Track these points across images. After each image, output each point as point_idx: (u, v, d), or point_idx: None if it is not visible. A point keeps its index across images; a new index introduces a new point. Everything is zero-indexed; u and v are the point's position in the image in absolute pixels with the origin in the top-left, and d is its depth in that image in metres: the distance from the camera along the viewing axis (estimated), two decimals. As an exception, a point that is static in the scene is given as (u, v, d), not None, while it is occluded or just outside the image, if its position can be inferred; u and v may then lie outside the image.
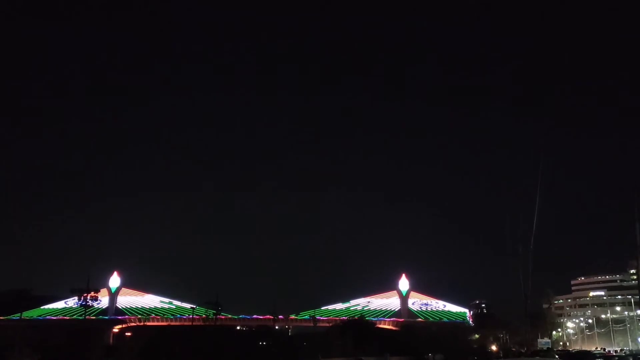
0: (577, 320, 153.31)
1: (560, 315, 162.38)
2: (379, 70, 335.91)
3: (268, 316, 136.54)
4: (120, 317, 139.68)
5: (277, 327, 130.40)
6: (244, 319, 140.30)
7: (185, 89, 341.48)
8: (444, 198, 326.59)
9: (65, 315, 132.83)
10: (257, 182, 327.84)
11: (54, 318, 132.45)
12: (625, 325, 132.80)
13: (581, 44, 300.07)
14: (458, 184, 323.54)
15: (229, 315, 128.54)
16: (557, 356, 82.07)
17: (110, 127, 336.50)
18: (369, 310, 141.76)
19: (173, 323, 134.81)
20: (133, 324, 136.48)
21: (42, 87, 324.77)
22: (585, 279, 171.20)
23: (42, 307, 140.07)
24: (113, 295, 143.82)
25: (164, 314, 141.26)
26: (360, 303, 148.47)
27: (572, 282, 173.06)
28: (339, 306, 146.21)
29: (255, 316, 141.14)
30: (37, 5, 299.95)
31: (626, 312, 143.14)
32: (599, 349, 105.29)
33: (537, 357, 48.95)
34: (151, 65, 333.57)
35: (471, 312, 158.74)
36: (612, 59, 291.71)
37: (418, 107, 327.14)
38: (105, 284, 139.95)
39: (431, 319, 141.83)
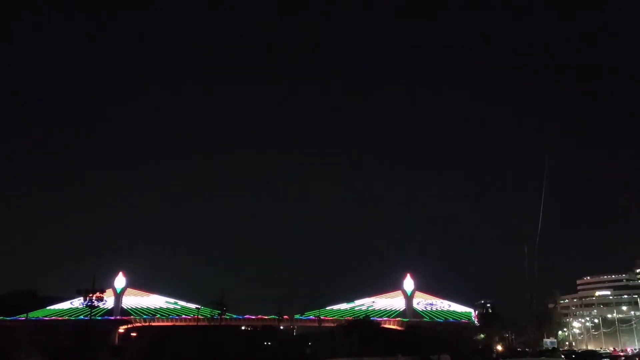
0: (583, 320, 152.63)
1: (566, 315, 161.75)
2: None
3: (273, 316, 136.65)
4: (125, 318, 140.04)
5: (281, 327, 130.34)
6: (248, 319, 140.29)
7: (186, 82, 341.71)
8: (448, 197, 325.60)
9: (71, 316, 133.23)
10: (261, 182, 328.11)
11: (60, 319, 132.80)
12: (632, 324, 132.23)
13: (583, 41, 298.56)
14: (463, 184, 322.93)
15: (234, 316, 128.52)
16: (562, 356, 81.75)
17: (112, 127, 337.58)
18: (373, 310, 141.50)
19: (178, 323, 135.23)
20: (138, 324, 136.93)
21: (43, 85, 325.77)
22: (591, 278, 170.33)
23: (48, 308, 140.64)
24: (118, 296, 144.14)
25: (169, 314, 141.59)
26: (365, 303, 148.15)
27: (578, 282, 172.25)
28: (343, 306, 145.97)
29: (260, 316, 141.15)
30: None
31: (632, 312, 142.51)
32: (607, 349, 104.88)
33: (543, 357, 48.72)
34: (148, 61, 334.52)
35: (476, 312, 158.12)
36: (614, 57, 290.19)
37: (420, 109, 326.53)
38: (110, 285, 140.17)
39: (436, 319, 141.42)
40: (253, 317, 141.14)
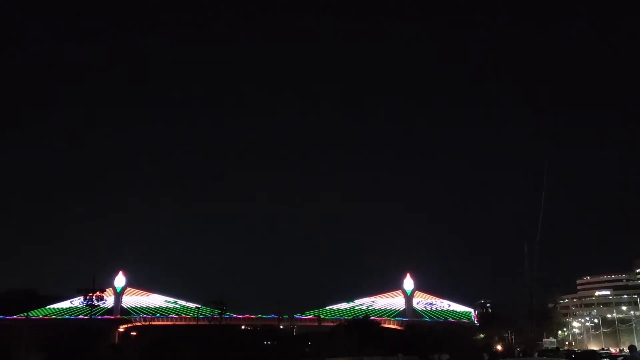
0: (582, 320, 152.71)
1: (566, 315, 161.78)
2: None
3: (273, 316, 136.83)
4: (125, 317, 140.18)
5: (281, 327, 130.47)
6: (248, 318, 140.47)
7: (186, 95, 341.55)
8: (448, 197, 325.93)
9: (71, 315, 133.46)
10: (261, 183, 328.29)
11: (60, 318, 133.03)
12: (631, 324, 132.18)
13: (583, 39, 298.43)
14: (463, 183, 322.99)
15: (234, 315, 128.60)
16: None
17: (113, 124, 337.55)
18: (373, 309, 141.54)
19: (178, 322, 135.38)
20: (138, 323, 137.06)
21: (42, 88, 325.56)
22: (591, 278, 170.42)
23: (48, 307, 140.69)
24: (118, 295, 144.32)
25: (169, 314, 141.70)
26: (364, 302, 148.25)
27: (578, 282, 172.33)
28: (343, 306, 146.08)
29: (259, 316, 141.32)
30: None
31: (632, 312, 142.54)
32: (606, 348, 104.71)
33: (544, 357, 48.71)
34: (150, 69, 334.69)
35: (476, 311, 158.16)
36: (614, 52, 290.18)
37: (422, 108, 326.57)
38: (110, 284, 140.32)
39: (436, 319, 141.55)
40: (253, 316, 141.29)
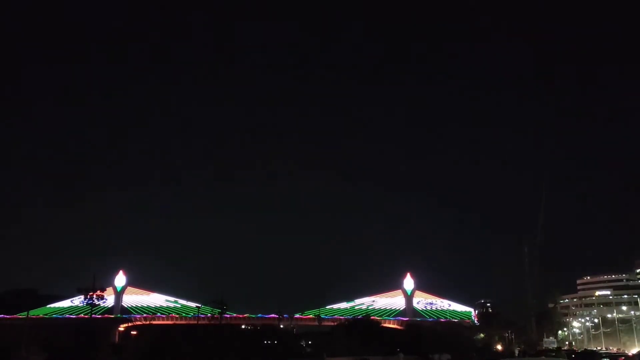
0: (582, 320, 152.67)
1: (566, 315, 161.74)
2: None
3: (273, 315, 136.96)
4: (126, 316, 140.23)
5: (282, 326, 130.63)
6: (249, 318, 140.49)
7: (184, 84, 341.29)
8: (450, 197, 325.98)
9: (71, 314, 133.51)
10: (261, 182, 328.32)
11: (60, 317, 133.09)
12: (632, 324, 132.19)
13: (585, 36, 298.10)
14: (464, 183, 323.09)
15: (234, 314, 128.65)
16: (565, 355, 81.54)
17: (113, 124, 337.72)
18: (373, 309, 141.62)
19: (179, 322, 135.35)
20: (139, 322, 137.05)
21: (43, 87, 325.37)
22: (591, 278, 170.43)
23: (48, 306, 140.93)
24: (119, 294, 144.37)
25: (170, 313, 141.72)
26: (364, 302, 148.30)
27: (578, 282, 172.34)
28: (343, 305, 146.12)
29: (260, 315, 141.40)
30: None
31: (632, 312, 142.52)
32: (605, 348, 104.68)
33: (543, 357, 48.82)
34: (145, 60, 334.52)
35: (476, 311, 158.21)
36: (615, 51, 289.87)
37: (423, 105, 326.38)
38: (111, 283, 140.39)
39: (436, 318, 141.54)
40: (253, 316, 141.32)
